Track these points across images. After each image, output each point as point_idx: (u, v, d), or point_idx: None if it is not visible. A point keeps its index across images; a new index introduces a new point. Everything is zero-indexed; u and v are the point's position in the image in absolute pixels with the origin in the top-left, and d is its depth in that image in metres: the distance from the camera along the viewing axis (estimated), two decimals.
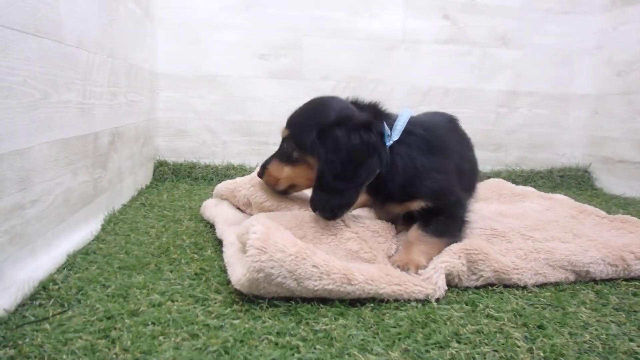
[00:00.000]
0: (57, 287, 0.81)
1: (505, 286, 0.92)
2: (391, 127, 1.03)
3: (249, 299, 0.79)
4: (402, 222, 1.09)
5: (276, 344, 0.66)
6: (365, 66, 2.12)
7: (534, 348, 0.68)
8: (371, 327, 0.73)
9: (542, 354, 0.66)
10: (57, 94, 0.95)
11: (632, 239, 1.08)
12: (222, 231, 1.08)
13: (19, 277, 0.77)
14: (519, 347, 0.68)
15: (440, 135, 1.11)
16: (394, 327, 0.72)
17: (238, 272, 0.80)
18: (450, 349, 0.67)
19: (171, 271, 0.91)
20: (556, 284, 0.94)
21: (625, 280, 0.97)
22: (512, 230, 1.12)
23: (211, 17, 1.98)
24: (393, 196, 1.04)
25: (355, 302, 0.81)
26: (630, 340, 0.72)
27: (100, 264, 0.93)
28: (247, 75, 2.04)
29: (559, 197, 1.51)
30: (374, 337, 0.69)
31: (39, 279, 0.81)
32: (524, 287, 0.92)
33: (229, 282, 0.84)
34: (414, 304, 0.81)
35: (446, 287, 0.86)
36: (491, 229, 1.12)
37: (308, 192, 1.51)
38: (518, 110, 2.25)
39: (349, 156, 0.96)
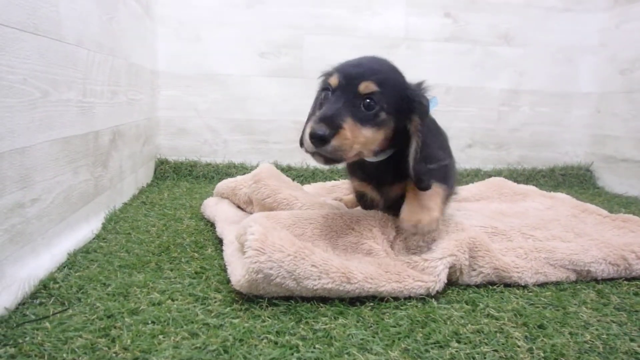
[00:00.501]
0: (57, 285, 0.81)
1: (506, 285, 0.91)
2: None
3: (249, 298, 0.79)
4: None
5: (276, 343, 0.66)
6: None
7: (534, 348, 0.67)
8: (371, 326, 0.73)
9: (542, 354, 0.66)
10: (57, 93, 0.95)
11: (634, 238, 1.07)
12: (222, 230, 1.08)
13: (19, 275, 0.78)
14: (519, 347, 0.68)
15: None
16: (394, 327, 0.72)
17: (237, 272, 0.80)
18: (450, 348, 0.67)
19: (171, 270, 0.91)
20: (557, 284, 0.94)
21: (627, 279, 0.97)
22: (512, 229, 1.12)
23: (212, 16, 1.98)
24: (406, 176, 0.98)
25: (354, 301, 0.81)
26: (632, 340, 0.71)
27: (100, 262, 0.93)
28: (248, 74, 2.04)
29: (560, 195, 1.50)
30: (374, 337, 0.69)
31: (39, 277, 0.82)
32: (525, 287, 0.91)
33: (228, 281, 0.84)
34: (413, 303, 0.81)
35: (446, 281, 0.86)
36: (492, 227, 1.12)
37: (307, 188, 1.52)
38: (520, 108, 2.24)
39: (434, 126, 1.01)
